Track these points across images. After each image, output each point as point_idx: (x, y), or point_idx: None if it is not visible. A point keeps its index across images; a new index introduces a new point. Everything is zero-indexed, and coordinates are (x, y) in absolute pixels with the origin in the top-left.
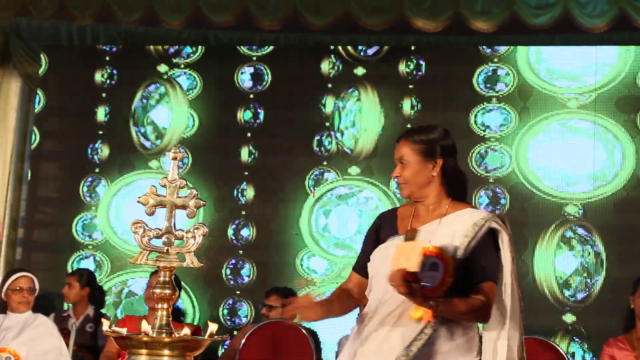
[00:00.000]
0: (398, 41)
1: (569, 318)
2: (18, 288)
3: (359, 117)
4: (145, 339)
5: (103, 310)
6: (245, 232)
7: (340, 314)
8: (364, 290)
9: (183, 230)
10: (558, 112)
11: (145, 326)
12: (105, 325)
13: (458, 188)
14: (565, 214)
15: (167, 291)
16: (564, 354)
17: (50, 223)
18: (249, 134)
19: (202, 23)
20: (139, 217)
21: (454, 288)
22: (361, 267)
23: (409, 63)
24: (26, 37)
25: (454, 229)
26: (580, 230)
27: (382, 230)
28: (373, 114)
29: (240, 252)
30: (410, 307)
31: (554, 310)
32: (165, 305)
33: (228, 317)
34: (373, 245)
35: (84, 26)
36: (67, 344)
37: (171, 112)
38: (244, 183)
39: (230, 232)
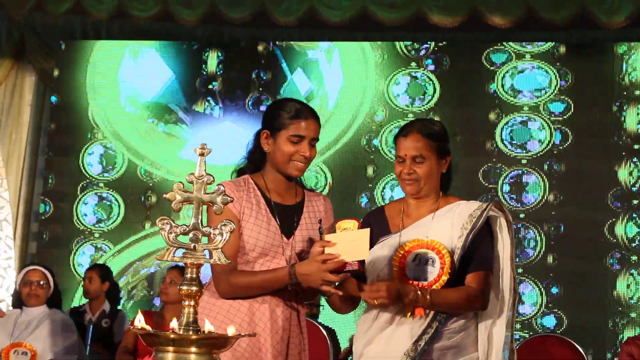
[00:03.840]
0: (414, 37)
1: None
2: (28, 281)
3: None
4: (172, 336)
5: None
6: None
7: (343, 312)
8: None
9: (210, 227)
10: None
11: (173, 323)
12: (137, 321)
13: (448, 182)
14: None
15: (194, 288)
16: (582, 353)
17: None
18: None
19: (218, 20)
20: None
21: (449, 281)
22: None
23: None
24: (41, 32)
25: (451, 221)
26: None
27: (372, 231)
28: None
29: None
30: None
31: None
32: (192, 302)
33: None
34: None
35: (99, 22)
36: (84, 340)
37: None
38: None
39: None
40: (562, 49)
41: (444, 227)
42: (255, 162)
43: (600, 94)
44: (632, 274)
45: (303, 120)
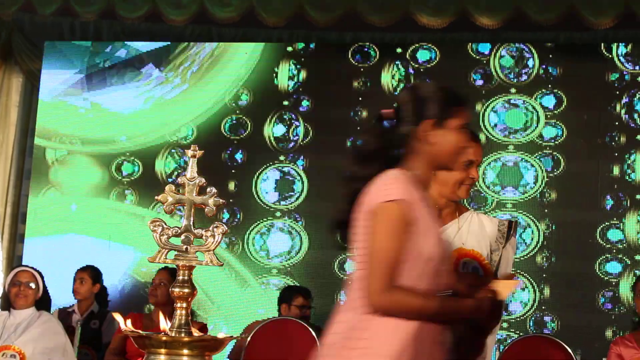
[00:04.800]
0: (403, 38)
1: None
2: (17, 282)
3: None
4: (164, 338)
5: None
6: None
7: None
8: None
9: (202, 229)
10: None
11: (163, 325)
12: (122, 324)
13: None
14: None
15: (186, 290)
16: (572, 354)
17: None
18: None
19: (206, 20)
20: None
21: None
22: None
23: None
24: (28, 32)
25: (478, 233)
26: None
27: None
28: None
29: None
30: None
31: None
32: (184, 304)
33: None
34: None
35: (87, 22)
36: (72, 341)
37: None
38: None
39: None
40: (549, 46)
41: (473, 237)
42: (391, 154)
43: (589, 93)
44: (635, 274)
45: (466, 108)
